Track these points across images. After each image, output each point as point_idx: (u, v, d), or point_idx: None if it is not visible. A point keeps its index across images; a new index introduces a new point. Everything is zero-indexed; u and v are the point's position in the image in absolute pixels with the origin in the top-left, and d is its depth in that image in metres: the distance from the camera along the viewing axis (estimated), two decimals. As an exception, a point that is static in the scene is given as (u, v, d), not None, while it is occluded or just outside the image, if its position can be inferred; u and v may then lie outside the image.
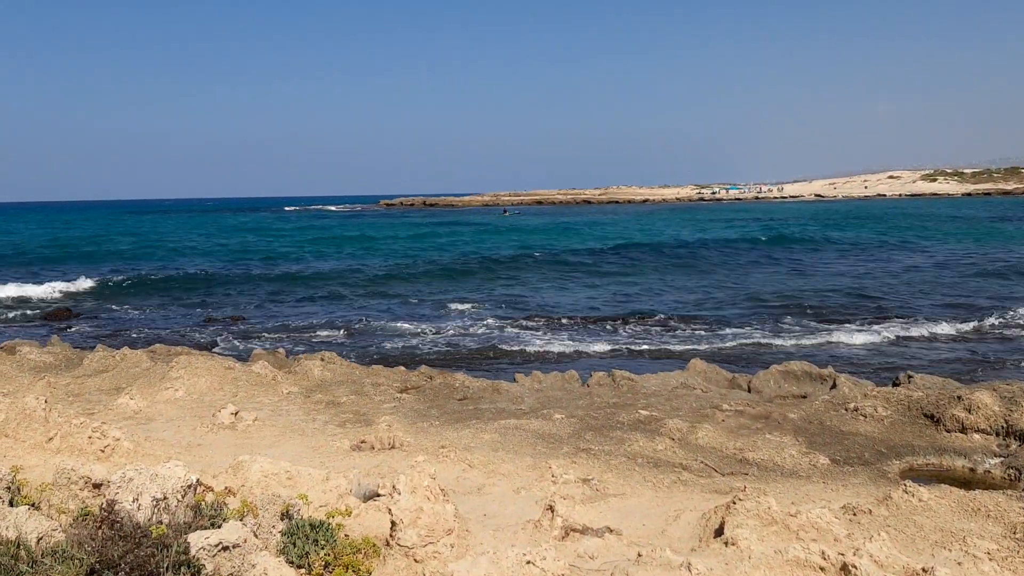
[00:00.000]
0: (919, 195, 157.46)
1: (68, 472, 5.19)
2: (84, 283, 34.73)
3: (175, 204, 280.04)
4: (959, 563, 5.26)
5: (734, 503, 5.73)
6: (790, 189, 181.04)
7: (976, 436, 9.13)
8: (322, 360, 14.35)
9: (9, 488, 4.85)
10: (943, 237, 55.68)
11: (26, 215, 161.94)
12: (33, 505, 4.73)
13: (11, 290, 32.67)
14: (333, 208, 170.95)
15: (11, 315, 27.57)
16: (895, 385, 12.15)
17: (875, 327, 22.12)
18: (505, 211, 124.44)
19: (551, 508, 5.77)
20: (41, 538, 4.11)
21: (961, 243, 50.76)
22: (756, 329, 22.59)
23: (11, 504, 4.72)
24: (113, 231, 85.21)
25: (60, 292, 32.98)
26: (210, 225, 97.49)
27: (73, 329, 24.42)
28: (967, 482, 8.11)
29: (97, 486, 5.09)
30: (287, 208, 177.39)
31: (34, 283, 34.56)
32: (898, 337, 20.93)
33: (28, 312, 28.24)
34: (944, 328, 21.96)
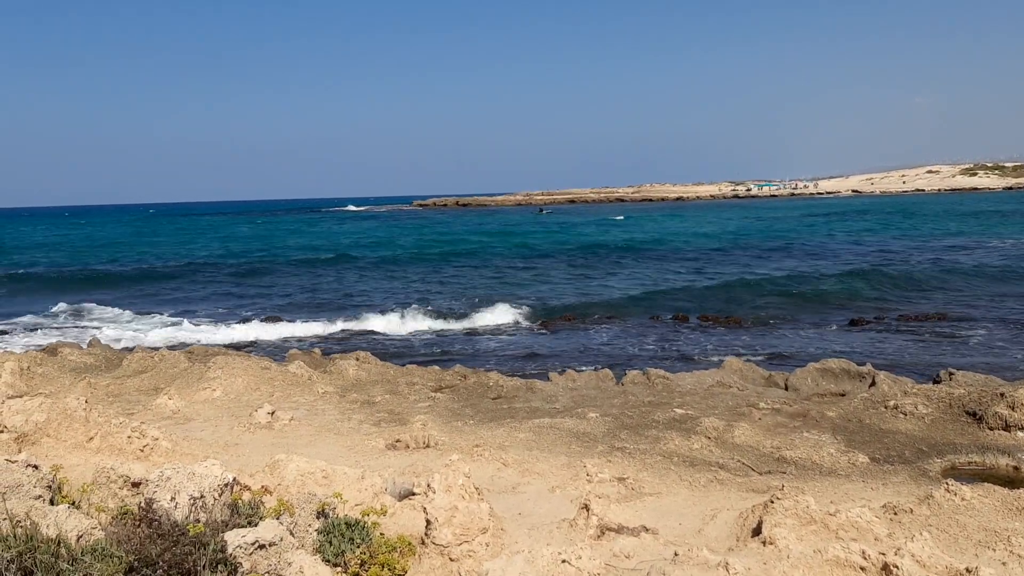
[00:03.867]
0: (959, 190, 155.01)
1: (107, 471, 5.26)
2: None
3: (210, 207, 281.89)
4: (1003, 563, 5.15)
5: (772, 502, 5.66)
6: (825, 185, 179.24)
7: (1020, 434, 8.95)
8: (357, 360, 14.43)
9: (50, 487, 4.92)
10: None
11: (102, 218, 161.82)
12: (73, 504, 4.79)
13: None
14: (410, 206, 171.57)
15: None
16: (936, 382, 11.95)
17: None
18: (541, 210, 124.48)
19: (586, 507, 5.74)
20: (81, 536, 4.16)
21: None
22: None
23: (52, 503, 4.78)
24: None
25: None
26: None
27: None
28: (1011, 481, 7.95)
29: (136, 485, 5.15)
30: (350, 207, 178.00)
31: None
32: None
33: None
34: None
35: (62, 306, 29.93)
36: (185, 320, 26.97)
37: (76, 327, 26.06)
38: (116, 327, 26.14)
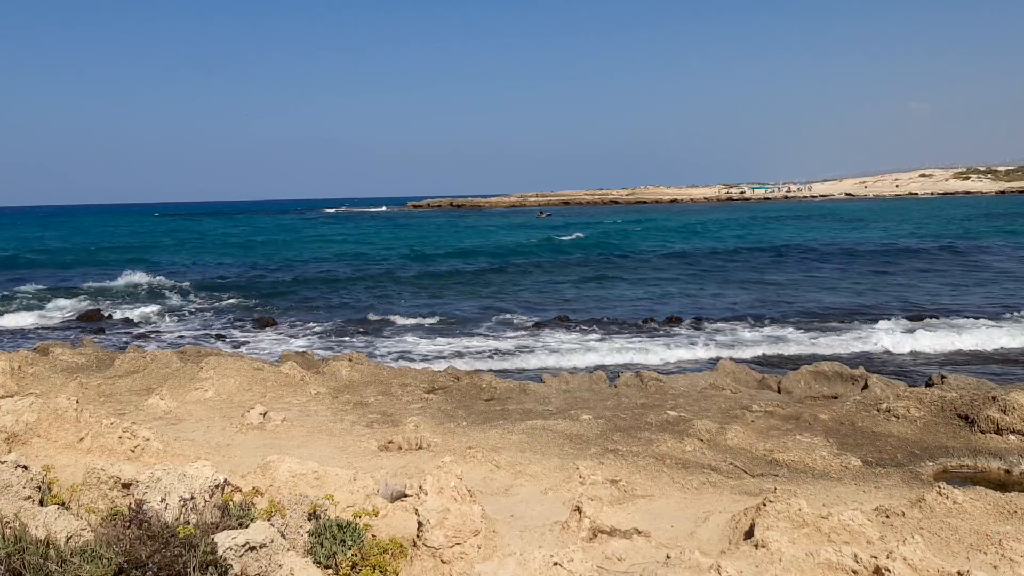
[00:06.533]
0: (952, 194, 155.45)
1: (98, 472, 5.23)
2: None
3: (205, 207, 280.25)
4: (995, 567, 5.16)
5: (764, 505, 5.65)
6: (819, 188, 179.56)
7: (1012, 437, 8.97)
8: (350, 361, 14.39)
9: (40, 487, 4.89)
10: None
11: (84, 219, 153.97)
12: (63, 504, 4.77)
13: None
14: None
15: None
16: (928, 386, 11.97)
17: None
18: (541, 212, 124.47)
19: (579, 509, 5.73)
20: (70, 537, 4.13)
21: None
22: None
23: (41, 503, 4.76)
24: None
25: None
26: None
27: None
28: (1003, 484, 7.97)
29: (126, 486, 5.12)
30: (380, 208, 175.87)
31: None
32: None
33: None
34: None
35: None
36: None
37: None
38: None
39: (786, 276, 36.60)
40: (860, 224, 76.45)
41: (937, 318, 23.17)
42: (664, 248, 54.92)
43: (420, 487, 5.14)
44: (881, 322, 22.47)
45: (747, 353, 19.47)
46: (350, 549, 4.60)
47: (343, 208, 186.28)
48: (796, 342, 20.70)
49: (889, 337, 20.31)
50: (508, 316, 26.27)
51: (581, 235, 66.40)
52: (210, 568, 3.96)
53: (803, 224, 79.38)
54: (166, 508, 4.44)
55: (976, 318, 22.87)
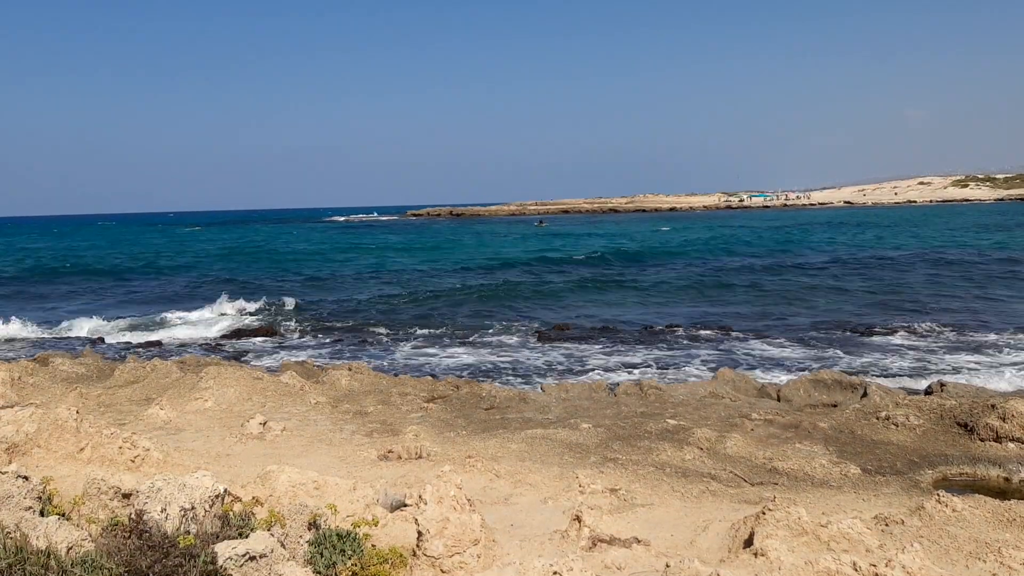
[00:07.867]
0: (950, 201, 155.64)
1: (98, 482, 5.24)
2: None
3: (203, 217, 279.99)
4: (994, 574, 5.16)
5: (764, 513, 5.66)
6: (817, 196, 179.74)
7: (1011, 445, 8.98)
8: (349, 370, 14.40)
9: (40, 498, 4.90)
10: None
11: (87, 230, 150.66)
12: (64, 515, 4.78)
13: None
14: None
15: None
16: (927, 394, 11.98)
17: None
18: (540, 222, 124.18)
19: (578, 518, 5.74)
20: (71, 548, 4.14)
21: None
22: None
23: (42, 514, 4.76)
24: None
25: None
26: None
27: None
28: (1002, 492, 7.98)
29: (126, 496, 5.13)
30: (392, 217, 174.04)
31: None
32: None
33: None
34: None
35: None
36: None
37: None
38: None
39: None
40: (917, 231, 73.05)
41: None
42: (730, 259, 51.44)
43: (420, 496, 5.15)
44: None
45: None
46: (350, 559, 4.61)
47: (358, 216, 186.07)
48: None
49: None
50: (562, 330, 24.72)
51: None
52: (210, 578, 3.97)
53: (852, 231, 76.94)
54: (166, 518, 4.45)
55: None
